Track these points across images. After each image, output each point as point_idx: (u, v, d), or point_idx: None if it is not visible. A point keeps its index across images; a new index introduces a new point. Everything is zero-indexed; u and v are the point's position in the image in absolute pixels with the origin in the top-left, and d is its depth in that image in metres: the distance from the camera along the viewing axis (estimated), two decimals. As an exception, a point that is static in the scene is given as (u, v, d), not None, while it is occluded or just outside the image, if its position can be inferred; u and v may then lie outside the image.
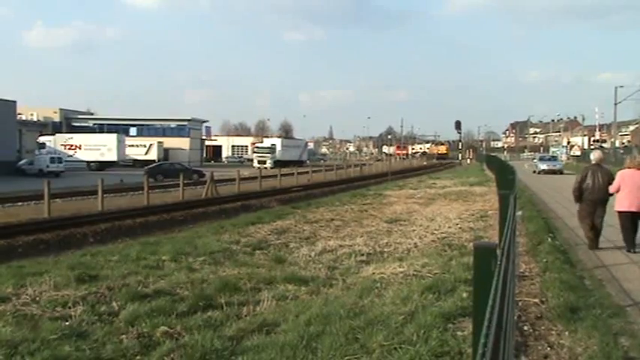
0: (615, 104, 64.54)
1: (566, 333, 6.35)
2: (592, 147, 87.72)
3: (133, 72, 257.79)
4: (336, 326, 6.71)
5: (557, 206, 18.33)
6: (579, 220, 12.13)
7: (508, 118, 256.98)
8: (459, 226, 16.70)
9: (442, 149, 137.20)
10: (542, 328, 6.61)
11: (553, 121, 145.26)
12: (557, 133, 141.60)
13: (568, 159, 78.00)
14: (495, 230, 13.56)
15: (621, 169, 11.77)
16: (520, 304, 7.46)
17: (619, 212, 11.22)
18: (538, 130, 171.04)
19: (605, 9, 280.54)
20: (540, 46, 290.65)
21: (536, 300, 7.68)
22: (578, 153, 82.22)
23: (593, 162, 12.30)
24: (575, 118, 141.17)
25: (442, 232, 15.52)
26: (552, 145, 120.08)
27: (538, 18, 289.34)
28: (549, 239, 12.45)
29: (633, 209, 11.00)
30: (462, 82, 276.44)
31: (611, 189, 11.43)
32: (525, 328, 6.61)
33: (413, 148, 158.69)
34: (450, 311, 7.01)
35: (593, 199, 11.60)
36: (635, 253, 11.03)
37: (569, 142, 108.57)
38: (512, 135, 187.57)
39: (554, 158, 58.35)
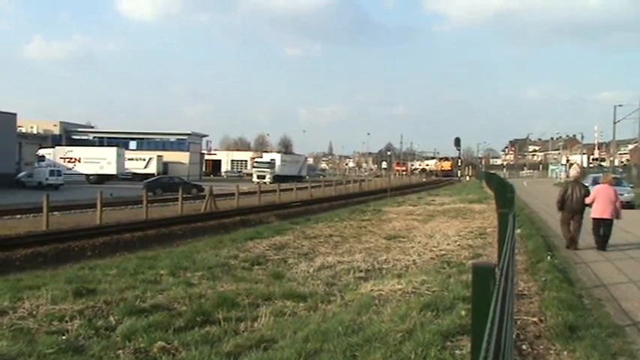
0: (614, 123, 64.76)
1: (565, 352, 6.33)
2: (591, 165, 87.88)
3: (132, 86, 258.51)
4: (334, 343, 6.68)
5: (557, 224, 18.28)
6: (560, 224, 14.88)
7: (507, 135, 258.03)
8: (457, 243, 16.67)
9: (446, 165, 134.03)
10: (541, 347, 6.59)
11: (552, 139, 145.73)
12: (557, 151, 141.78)
13: (567, 177, 77.51)
14: (494, 248, 13.56)
15: (596, 185, 15.05)
16: (519, 322, 7.43)
17: (593, 219, 13.96)
18: (537, 147, 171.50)
19: (605, 29, 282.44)
20: (540, 64, 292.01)
21: (535, 319, 7.66)
22: (578, 170, 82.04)
23: (572, 179, 15.67)
24: (575, 136, 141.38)
25: (441, 250, 15.50)
26: (551, 163, 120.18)
27: (538, 36, 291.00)
28: (548, 257, 12.44)
29: (604, 216, 13.77)
30: (461, 99, 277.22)
31: (588, 200, 14.14)
32: (524, 347, 6.58)
33: (412, 164, 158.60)
34: (448, 329, 6.98)
35: (572, 208, 14.28)
36: (605, 251, 13.60)
37: (568, 160, 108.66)
38: (511, 152, 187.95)
39: (619, 182, 28.06)
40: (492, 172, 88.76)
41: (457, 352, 6.25)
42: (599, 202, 13.85)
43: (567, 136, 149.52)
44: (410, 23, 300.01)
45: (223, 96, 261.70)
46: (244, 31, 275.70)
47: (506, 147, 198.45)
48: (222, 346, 7.13)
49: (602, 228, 13.93)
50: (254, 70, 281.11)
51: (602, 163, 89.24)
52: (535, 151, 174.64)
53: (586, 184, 15.50)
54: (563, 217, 14.59)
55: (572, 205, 14.24)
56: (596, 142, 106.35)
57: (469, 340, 5.21)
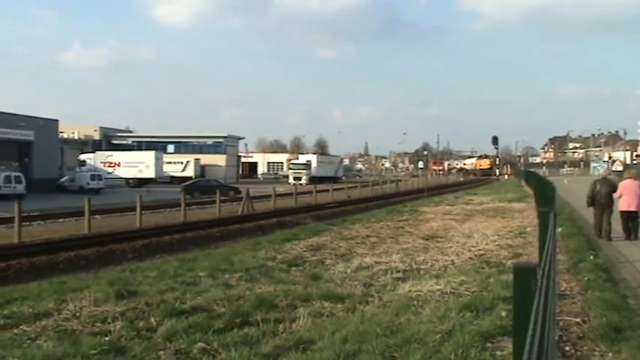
0: (658, 118, 63.02)
1: (610, 354, 6.18)
2: (634, 162, 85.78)
3: (169, 90, 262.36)
4: (373, 344, 6.65)
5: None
6: (594, 217, 16.14)
7: (546, 133, 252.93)
8: (496, 243, 16.46)
9: (485, 164, 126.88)
10: (585, 348, 6.45)
11: (593, 135, 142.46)
12: (598, 148, 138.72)
13: (610, 174, 75.20)
14: (534, 247, 13.34)
15: (622, 180, 16.63)
16: (561, 323, 7.29)
17: (620, 211, 15.33)
18: (578, 145, 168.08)
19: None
20: (578, 60, 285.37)
21: (578, 319, 7.51)
22: (621, 168, 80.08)
23: (601, 176, 17.29)
24: (617, 132, 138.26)
25: (480, 249, 15.32)
26: (593, 160, 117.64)
27: (575, 32, 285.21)
28: (591, 257, 12.18)
29: (631, 209, 15.07)
30: (498, 97, 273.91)
31: (615, 195, 15.51)
32: (567, 348, 6.46)
33: (449, 164, 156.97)
34: (488, 330, 6.89)
35: (601, 203, 15.60)
36: (634, 240, 14.85)
37: (610, 157, 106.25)
38: (551, 150, 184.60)
39: None
40: (532, 170, 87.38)
41: (498, 353, 6.16)
42: (626, 196, 15.19)
43: (609, 132, 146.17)
44: (444, 22, 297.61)
45: (258, 98, 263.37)
46: (278, 33, 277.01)
47: (546, 145, 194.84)
48: (261, 347, 7.17)
49: (629, 219, 15.25)
50: (288, 72, 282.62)
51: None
52: (576, 148, 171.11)
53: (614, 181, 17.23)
54: (595, 211, 15.99)
55: (602, 199, 15.59)
56: (639, 137, 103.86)
57: (510, 341, 5.13)
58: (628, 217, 15.22)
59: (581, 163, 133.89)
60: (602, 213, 15.60)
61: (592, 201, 15.88)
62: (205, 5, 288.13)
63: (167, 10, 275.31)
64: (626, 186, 15.45)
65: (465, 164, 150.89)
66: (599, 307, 7.75)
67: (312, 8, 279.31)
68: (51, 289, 10.70)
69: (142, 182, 67.45)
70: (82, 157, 71.33)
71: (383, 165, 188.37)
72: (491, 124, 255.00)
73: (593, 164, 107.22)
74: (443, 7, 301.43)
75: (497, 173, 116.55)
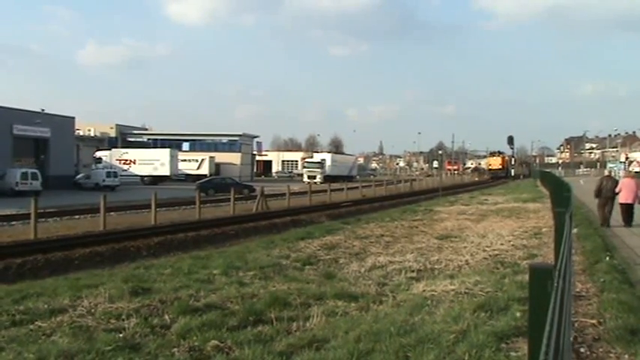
0: (676, 118, 62.29)
1: (626, 356, 6.12)
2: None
3: (184, 88, 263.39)
4: (386, 344, 6.64)
5: (614, 223, 17.90)
6: (597, 208, 19.20)
7: (562, 133, 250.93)
8: (511, 243, 16.36)
9: (496, 163, 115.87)
10: (601, 350, 6.39)
11: (610, 136, 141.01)
12: (615, 149, 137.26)
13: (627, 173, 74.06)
14: (550, 248, 13.25)
15: (621, 178, 20.04)
16: (576, 324, 7.23)
17: (620, 203, 18.20)
18: (594, 145, 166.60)
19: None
20: (594, 59, 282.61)
21: (594, 321, 7.43)
22: (638, 169, 79.17)
23: (606, 175, 20.66)
24: (634, 132, 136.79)
25: (494, 250, 15.23)
26: (609, 161, 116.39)
27: (590, 31, 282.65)
28: (607, 258, 12.06)
29: (628, 201, 17.92)
30: (513, 97, 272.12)
31: (617, 190, 18.26)
32: (582, 350, 6.40)
33: (464, 164, 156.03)
34: (503, 331, 6.84)
35: (606, 196, 18.55)
36: (630, 227, 17.54)
37: (627, 158, 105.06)
38: (567, 150, 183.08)
39: None
40: (547, 170, 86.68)
41: (512, 354, 6.12)
42: (624, 191, 17.98)
43: (626, 132, 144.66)
44: (458, 21, 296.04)
45: (273, 97, 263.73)
46: (292, 31, 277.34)
47: (562, 145, 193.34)
48: (274, 345, 7.18)
49: (627, 210, 18.06)
50: (303, 70, 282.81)
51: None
52: (592, 148, 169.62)
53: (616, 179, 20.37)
54: (599, 202, 18.91)
55: (606, 193, 18.49)
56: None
57: (525, 342, 5.10)
58: (626, 208, 18.13)
59: (598, 163, 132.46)
60: (605, 204, 18.57)
61: (598, 193, 18.85)
62: (217, 3, 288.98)
63: (180, 9, 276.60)
64: (625, 182, 18.56)
65: (480, 164, 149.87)
66: (615, 309, 7.66)
67: (327, 6, 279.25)
68: (66, 286, 10.78)
69: (156, 180, 67.75)
70: (98, 154, 71.79)
71: (397, 164, 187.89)
72: (506, 123, 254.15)
73: (609, 165, 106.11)
74: (457, 5, 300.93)
75: (513, 173, 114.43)
